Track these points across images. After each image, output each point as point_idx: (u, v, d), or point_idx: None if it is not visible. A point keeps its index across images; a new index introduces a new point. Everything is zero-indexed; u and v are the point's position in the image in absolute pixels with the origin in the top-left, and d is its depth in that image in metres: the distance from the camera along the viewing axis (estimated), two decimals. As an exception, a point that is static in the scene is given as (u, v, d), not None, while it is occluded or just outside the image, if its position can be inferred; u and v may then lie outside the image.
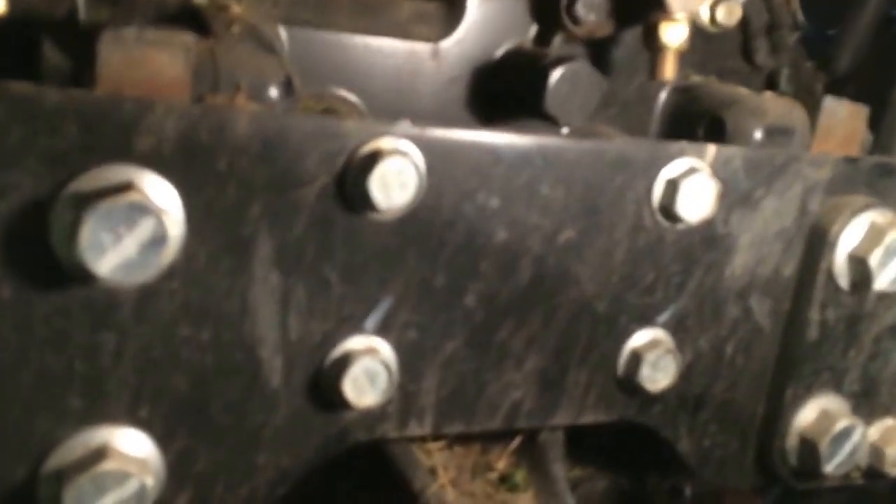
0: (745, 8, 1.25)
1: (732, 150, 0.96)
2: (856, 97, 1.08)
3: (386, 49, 1.08)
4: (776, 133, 1.14)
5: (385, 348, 0.86)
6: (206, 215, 0.76)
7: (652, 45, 1.08)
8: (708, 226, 0.96)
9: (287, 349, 0.83)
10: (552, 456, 1.09)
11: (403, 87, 1.09)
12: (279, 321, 0.82)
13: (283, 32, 1.02)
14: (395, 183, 0.78)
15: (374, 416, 0.88)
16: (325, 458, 0.88)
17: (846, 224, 1.01)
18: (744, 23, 1.27)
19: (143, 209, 0.69)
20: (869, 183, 1.04)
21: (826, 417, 1.07)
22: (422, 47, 1.09)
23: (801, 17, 1.36)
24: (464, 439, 1.09)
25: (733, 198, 0.97)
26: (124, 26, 0.74)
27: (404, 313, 0.86)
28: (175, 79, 0.75)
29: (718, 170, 0.94)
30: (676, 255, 0.96)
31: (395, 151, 0.78)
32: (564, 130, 1.08)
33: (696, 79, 1.25)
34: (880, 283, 1.02)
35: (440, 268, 0.86)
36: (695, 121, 1.18)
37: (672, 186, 0.92)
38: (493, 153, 0.85)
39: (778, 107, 1.16)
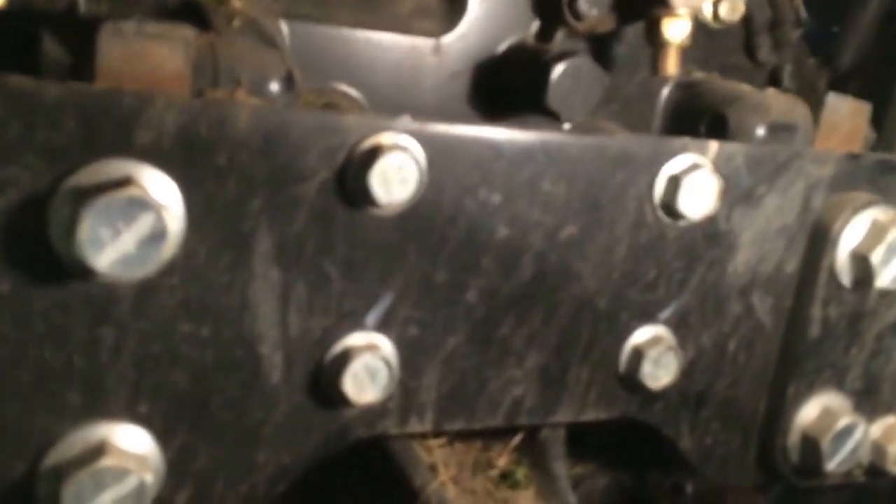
0: (748, 4, 1.25)
1: (735, 147, 0.96)
2: (859, 94, 1.08)
3: (387, 44, 1.07)
4: (779, 130, 1.13)
5: (386, 344, 0.86)
6: (205, 210, 0.75)
7: (654, 40, 1.08)
8: (710, 222, 0.96)
9: (287, 345, 0.82)
10: (553, 453, 1.08)
11: (405, 83, 1.09)
12: (279, 317, 0.81)
13: (284, 27, 1.01)
14: (396, 178, 0.78)
15: (374, 413, 0.88)
16: (325, 455, 0.88)
17: (848, 221, 1.01)
18: (746, 19, 1.27)
19: (143, 204, 0.69)
20: (871, 180, 1.04)
21: (828, 415, 1.07)
22: (423, 42, 1.09)
23: (803, 13, 1.35)
24: (464, 436, 1.09)
25: (735, 194, 0.96)
26: (124, 20, 0.74)
27: (405, 309, 0.86)
28: (175, 73, 0.75)
29: (721, 166, 0.94)
30: (678, 251, 0.96)
31: (396, 147, 0.78)
32: (566, 126, 1.08)
33: (698, 75, 1.25)
34: (882, 281, 1.02)
35: (441, 264, 0.86)
36: (697, 117, 1.18)
37: (674, 183, 0.92)
38: (495, 149, 0.85)
39: (780, 103, 1.16)
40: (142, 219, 0.69)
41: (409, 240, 0.84)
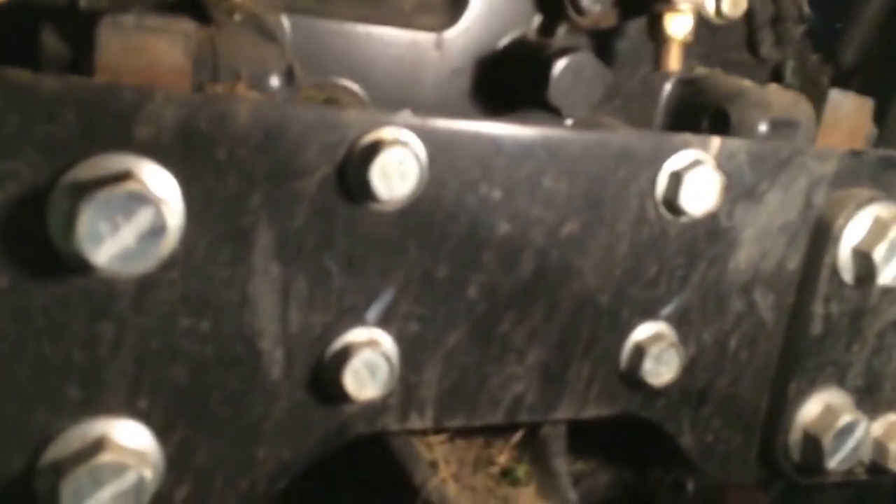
0: (751, 0, 1.24)
1: (737, 143, 0.95)
2: (861, 90, 1.08)
3: (389, 39, 1.07)
4: (781, 126, 1.13)
5: (386, 340, 0.86)
6: (205, 205, 0.75)
7: (656, 36, 1.08)
8: (712, 219, 0.96)
9: (287, 341, 0.82)
10: (554, 450, 1.08)
11: (406, 78, 1.09)
12: (279, 313, 0.81)
13: (285, 21, 1.01)
14: (397, 173, 0.78)
15: (374, 409, 0.88)
16: (325, 451, 0.87)
17: (850, 218, 1.01)
18: (749, 14, 1.27)
19: (142, 199, 0.68)
20: (874, 176, 1.03)
21: (829, 412, 1.07)
22: (425, 37, 1.09)
23: (806, 9, 1.35)
24: (465, 433, 1.08)
25: (737, 191, 0.96)
26: (124, 13, 0.73)
27: (406, 305, 0.86)
28: (175, 67, 0.75)
29: (723, 162, 0.94)
30: (680, 248, 0.95)
31: (397, 142, 0.78)
32: (568, 122, 1.08)
33: (700, 70, 1.25)
34: (884, 278, 1.01)
35: (442, 259, 0.86)
36: (699, 113, 1.18)
37: (676, 179, 0.91)
38: (496, 144, 0.85)
39: (783, 99, 1.15)
40: (141, 213, 0.68)
41: (410, 235, 0.84)
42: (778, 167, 0.97)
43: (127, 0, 0.91)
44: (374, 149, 0.77)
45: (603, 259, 0.92)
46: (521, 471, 1.07)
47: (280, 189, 0.78)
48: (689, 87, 1.22)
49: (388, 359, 0.83)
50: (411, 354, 0.87)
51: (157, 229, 0.69)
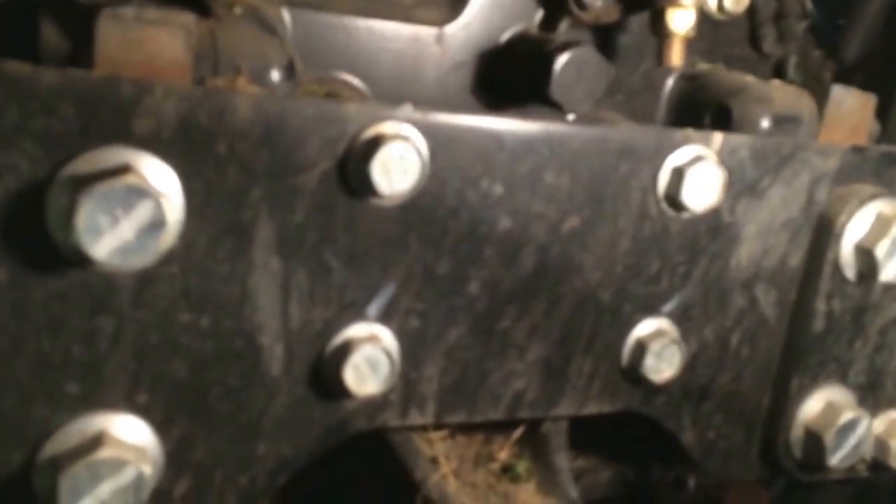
0: (753, -5, 1.24)
1: (739, 139, 0.95)
2: (864, 86, 1.08)
3: (390, 33, 1.06)
4: (783, 122, 1.13)
5: (387, 336, 0.85)
6: (205, 199, 0.75)
7: (659, 31, 1.07)
8: (714, 215, 0.95)
9: (288, 336, 0.82)
10: (555, 446, 1.08)
11: (407, 72, 1.08)
12: (280, 308, 0.81)
13: (285, 14, 1.01)
14: (398, 168, 0.77)
15: (375, 405, 0.87)
16: (325, 447, 0.87)
17: (853, 214, 1.00)
18: (752, 10, 1.26)
19: (141, 192, 0.68)
20: (876, 173, 1.03)
21: (831, 409, 1.07)
22: (426, 31, 1.08)
23: (809, 5, 1.35)
24: (466, 429, 1.08)
25: (740, 187, 0.96)
26: (123, 6, 0.73)
27: (407, 300, 0.85)
28: (175, 60, 0.74)
29: (725, 158, 0.93)
30: (682, 244, 0.95)
31: (398, 136, 0.77)
32: (570, 117, 1.07)
33: (703, 66, 1.24)
34: (886, 275, 1.01)
35: (443, 255, 0.85)
36: (701, 108, 1.17)
37: (678, 174, 0.91)
38: (497, 139, 0.84)
39: (785, 95, 1.15)
40: (140, 207, 0.68)
41: (411, 230, 0.83)
42: (780, 163, 0.97)
43: (127, -8, 0.91)
44: (375, 143, 0.77)
45: (604, 255, 0.92)
46: (522, 467, 1.07)
47: (280, 183, 0.77)
48: (692, 83, 1.22)
49: (388, 354, 0.83)
50: (412, 350, 0.87)
51: (157, 223, 0.69)
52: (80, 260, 0.68)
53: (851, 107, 1.06)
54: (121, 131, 0.71)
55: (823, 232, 1.01)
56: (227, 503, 0.84)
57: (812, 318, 1.04)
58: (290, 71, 0.89)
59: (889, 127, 1.42)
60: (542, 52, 1.04)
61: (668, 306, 0.97)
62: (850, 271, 1.03)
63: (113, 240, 0.67)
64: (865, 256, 1.01)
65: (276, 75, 0.88)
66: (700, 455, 1.06)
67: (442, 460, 1.03)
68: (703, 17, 1.11)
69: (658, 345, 0.95)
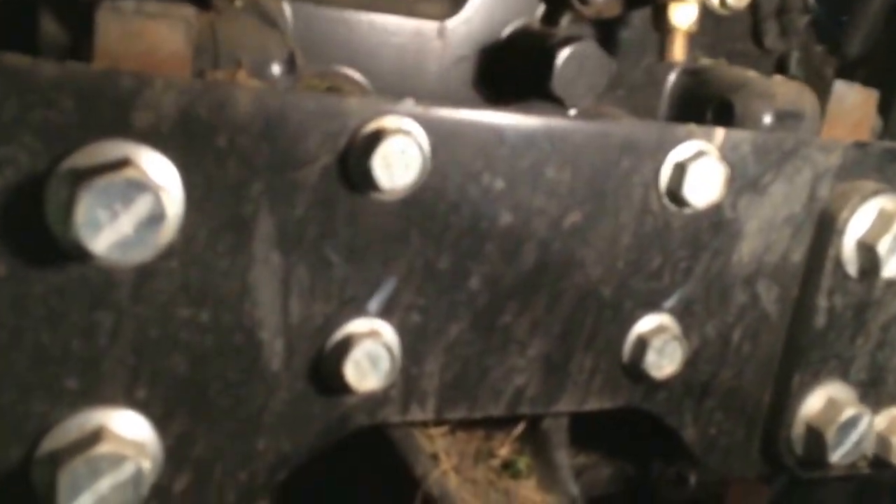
0: (756, -10, 1.24)
1: (741, 134, 0.95)
2: (866, 82, 1.07)
3: (391, 27, 1.06)
4: (786, 117, 1.13)
5: (388, 331, 0.85)
6: (205, 194, 0.74)
7: (661, 26, 1.07)
8: (715, 210, 0.95)
9: (288, 331, 0.81)
10: (556, 442, 1.08)
11: (409, 66, 1.08)
12: (280, 303, 0.80)
13: (286, 8, 1.00)
14: (399, 163, 0.77)
15: (375, 401, 0.87)
16: (325, 443, 0.87)
17: (855, 210, 1.00)
18: (754, 5, 1.26)
19: (141, 186, 0.68)
20: (878, 168, 1.03)
21: (833, 406, 1.07)
22: (428, 26, 1.08)
23: (811, 0, 1.34)
24: (466, 425, 1.08)
25: (741, 182, 0.95)
26: (123, -2, 0.73)
27: (407, 296, 0.85)
28: (175, 53, 0.74)
29: (727, 154, 0.93)
30: (683, 239, 0.95)
31: (399, 131, 0.77)
32: (571, 112, 1.07)
33: (705, 61, 1.24)
34: (888, 271, 1.01)
35: (444, 250, 0.85)
36: (703, 104, 1.17)
37: (680, 170, 0.91)
38: (499, 134, 0.84)
39: (787, 91, 1.15)
40: (140, 201, 0.68)
41: (412, 225, 0.83)
42: (782, 159, 0.97)
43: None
44: (377, 138, 0.76)
45: (606, 250, 0.92)
46: (523, 463, 1.07)
47: (281, 178, 0.77)
48: (694, 78, 1.22)
49: (389, 350, 0.83)
50: (413, 345, 0.87)
51: (156, 217, 0.69)
52: (80, 254, 0.68)
53: (854, 102, 1.05)
54: (120, 124, 0.70)
55: (825, 228, 1.01)
56: (227, 498, 0.84)
57: (814, 314, 1.03)
58: (290, 65, 0.89)
59: (891, 123, 1.42)
60: (543, 47, 1.04)
61: (670, 302, 0.97)
62: (852, 267, 1.03)
63: (112, 234, 0.67)
64: (867, 253, 1.01)
65: (276, 69, 0.88)
66: (701, 451, 1.06)
67: (442, 456, 1.03)
68: (706, 11, 1.11)
69: (659, 341, 0.95)
